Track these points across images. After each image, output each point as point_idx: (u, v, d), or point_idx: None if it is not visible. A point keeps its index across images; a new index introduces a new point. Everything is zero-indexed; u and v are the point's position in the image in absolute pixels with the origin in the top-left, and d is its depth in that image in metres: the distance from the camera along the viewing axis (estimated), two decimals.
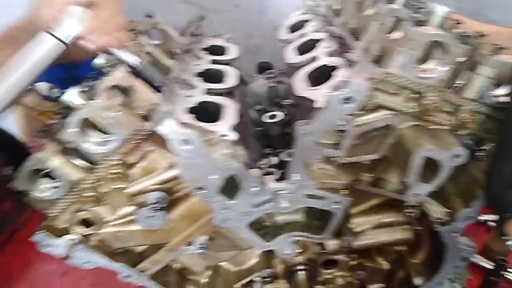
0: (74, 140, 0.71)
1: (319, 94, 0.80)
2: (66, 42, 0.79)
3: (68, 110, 0.76)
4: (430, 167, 0.75)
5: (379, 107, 0.75)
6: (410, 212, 0.86)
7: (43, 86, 2.07)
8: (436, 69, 0.71)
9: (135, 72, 0.84)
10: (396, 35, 0.78)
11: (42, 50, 0.78)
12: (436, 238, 0.88)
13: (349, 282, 1.02)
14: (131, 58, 0.85)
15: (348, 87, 0.65)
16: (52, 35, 0.78)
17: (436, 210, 0.83)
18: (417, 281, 0.92)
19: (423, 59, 0.75)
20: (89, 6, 0.78)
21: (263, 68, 1.46)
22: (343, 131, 0.75)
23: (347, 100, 0.66)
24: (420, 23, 0.67)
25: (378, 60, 0.81)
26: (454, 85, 0.73)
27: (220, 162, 0.73)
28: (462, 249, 0.85)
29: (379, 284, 1.03)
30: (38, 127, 0.79)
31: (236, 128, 0.85)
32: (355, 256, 0.93)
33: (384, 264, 1.02)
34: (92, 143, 0.72)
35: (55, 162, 0.73)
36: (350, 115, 0.70)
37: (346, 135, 0.75)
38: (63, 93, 2.05)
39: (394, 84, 0.72)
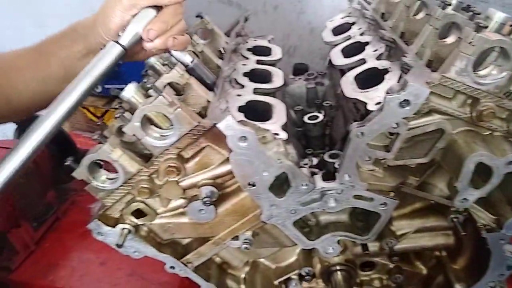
0: (136, 134, 0.74)
1: (371, 97, 0.81)
2: (126, 47, 0.83)
3: (127, 105, 0.79)
4: (480, 173, 0.75)
5: (432, 111, 0.76)
6: (455, 218, 0.86)
7: None
8: (494, 75, 0.71)
9: (189, 70, 0.87)
10: (451, 39, 0.79)
11: (110, 59, 0.81)
12: (479, 244, 0.88)
13: (386, 284, 1.03)
14: (185, 57, 0.88)
15: (407, 90, 0.66)
16: (118, 43, 0.81)
17: (483, 217, 0.83)
18: (457, 287, 0.92)
19: (479, 65, 0.75)
20: (155, 9, 0.81)
21: (299, 69, 1.48)
22: (394, 133, 0.76)
23: (405, 103, 0.67)
24: (480, 28, 0.67)
25: (430, 65, 0.82)
26: (510, 91, 0.73)
27: (273, 159, 0.75)
28: (508, 257, 0.85)
29: None
30: (98, 120, 0.82)
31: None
32: (395, 259, 0.93)
33: (423, 269, 1.02)
34: (151, 137, 0.75)
35: (116, 154, 0.76)
36: (405, 118, 0.71)
37: (397, 138, 0.76)
38: (105, 88, 2.13)
39: (450, 89, 0.72)
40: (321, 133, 1.17)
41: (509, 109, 0.73)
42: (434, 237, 0.95)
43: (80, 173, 0.79)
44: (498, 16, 0.81)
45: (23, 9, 2.19)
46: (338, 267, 0.98)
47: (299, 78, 1.39)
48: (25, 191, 1.39)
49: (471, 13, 0.84)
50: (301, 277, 1.00)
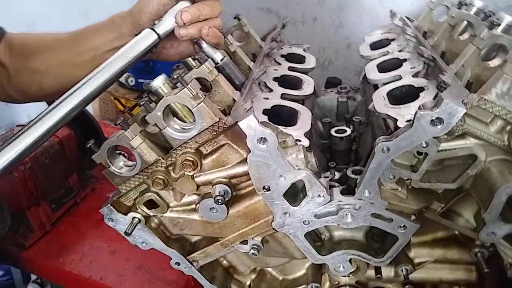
0: (157, 124, 0.74)
1: (402, 113, 0.78)
2: (161, 35, 0.84)
3: (153, 95, 0.79)
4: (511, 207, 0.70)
5: (466, 134, 0.71)
6: (480, 252, 0.80)
7: None
8: None
9: (218, 68, 0.86)
10: (495, 62, 0.74)
11: (144, 44, 0.83)
12: (503, 285, 0.81)
13: None
14: (216, 54, 0.87)
15: (441, 108, 0.62)
16: (154, 30, 0.83)
17: (511, 255, 0.77)
18: None
19: None
20: (191, 2, 0.82)
21: (332, 83, 1.46)
22: (423, 153, 0.72)
23: (437, 121, 0.63)
24: None
25: (469, 86, 0.78)
26: None
27: (292, 165, 0.72)
28: None
29: None
30: (124, 109, 0.83)
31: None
32: None
33: None
34: (172, 129, 0.75)
35: (135, 142, 0.76)
36: (436, 138, 0.67)
37: (426, 158, 0.72)
38: (138, 82, 2.17)
39: (489, 112, 0.68)
40: (347, 148, 1.14)
41: None
42: (455, 271, 0.89)
43: (99, 156, 0.80)
44: None
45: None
46: None
47: (331, 91, 1.37)
48: (49, 172, 1.41)
49: None
50: None
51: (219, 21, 0.85)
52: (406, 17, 1.26)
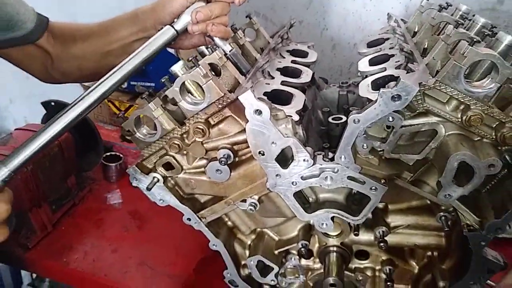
0: (175, 97, 0.91)
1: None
2: (178, 31, 1.01)
3: (172, 77, 0.97)
4: (467, 174, 0.84)
5: (428, 112, 0.85)
6: (443, 216, 0.94)
7: None
8: (485, 85, 0.80)
9: (228, 57, 1.03)
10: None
11: (164, 38, 1.00)
12: (465, 247, 0.94)
13: (377, 275, 1.11)
14: (226, 46, 1.04)
15: (399, 86, 0.77)
16: (173, 27, 1.00)
17: (469, 218, 0.90)
18: (441, 284, 0.98)
19: (481, 78, 0.85)
20: (206, 1, 0.99)
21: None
22: (391, 127, 0.87)
23: (397, 97, 0.78)
24: (474, 43, 0.77)
25: None
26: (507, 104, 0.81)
27: (282, 134, 0.88)
28: (488, 260, 0.90)
29: (406, 286, 1.10)
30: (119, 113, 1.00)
31: (302, 118, 1.01)
32: (384, 246, 1.00)
33: (415, 267, 1.09)
34: (187, 102, 0.92)
35: (157, 112, 0.94)
36: (398, 112, 0.82)
37: (393, 131, 0.86)
38: (130, 84, 2.33)
39: (444, 93, 0.82)
40: (342, 133, 1.29)
41: (498, 118, 0.81)
42: (426, 236, 1.03)
43: (127, 124, 0.98)
44: (506, 38, 0.90)
45: (58, 5, 2.48)
46: (333, 249, 1.08)
47: (334, 85, 1.52)
48: (49, 174, 1.45)
49: (485, 33, 0.93)
50: (299, 254, 1.11)
51: (226, 19, 1.02)
52: (402, 19, 1.41)
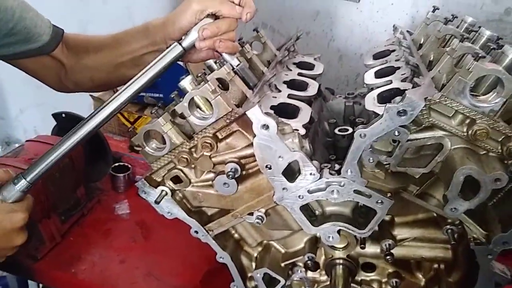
0: (184, 112, 0.93)
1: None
2: (186, 48, 1.03)
3: (181, 91, 0.99)
4: (474, 188, 0.84)
5: (433, 126, 0.86)
6: (449, 229, 0.94)
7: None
8: (490, 100, 0.81)
9: (235, 71, 1.05)
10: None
11: (171, 56, 1.02)
12: (472, 261, 0.94)
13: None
14: (233, 60, 1.06)
15: (405, 101, 0.78)
16: (180, 44, 1.02)
17: (475, 231, 0.90)
18: None
19: (487, 92, 0.85)
20: (214, 17, 1.01)
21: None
22: (397, 141, 0.87)
23: (402, 112, 0.79)
24: (479, 58, 0.78)
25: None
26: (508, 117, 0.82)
27: (289, 148, 0.89)
28: (496, 274, 0.90)
29: None
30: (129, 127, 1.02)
31: (309, 131, 1.02)
32: (390, 259, 1.00)
33: (421, 280, 1.09)
34: (195, 117, 0.94)
35: (166, 127, 0.95)
36: (404, 127, 0.83)
37: (399, 145, 0.87)
38: (139, 96, 2.30)
39: (450, 108, 0.83)
40: (349, 144, 1.29)
41: (503, 132, 0.82)
42: (433, 249, 1.03)
43: (137, 139, 1.00)
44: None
45: (69, 14, 2.53)
46: (340, 261, 1.08)
47: (340, 96, 1.53)
48: (59, 185, 1.45)
49: (490, 47, 0.94)
50: (306, 267, 1.12)
51: (233, 34, 1.03)
52: (407, 31, 1.42)
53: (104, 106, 0.97)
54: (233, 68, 1.04)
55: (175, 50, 1.03)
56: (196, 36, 1.03)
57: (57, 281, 1.44)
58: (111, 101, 0.97)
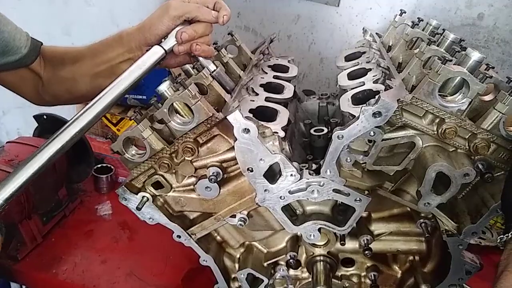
0: (164, 118, 0.93)
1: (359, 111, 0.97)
2: (167, 50, 1.04)
3: (159, 96, 0.99)
4: (445, 184, 0.89)
5: (406, 126, 0.91)
6: (423, 223, 0.99)
7: None
8: (457, 100, 0.86)
9: (212, 76, 1.06)
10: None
11: (154, 58, 1.02)
12: (445, 252, 1.00)
13: (362, 281, 1.15)
14: (210, 65, 1.07)
15: (379, 104, 0.82)
16: (161, 46, 1.03)
17: (447, 224, 0.96)
18: (423, 287, 1.04)
19: (454, 92, 0.90)
20: (191, 22, 1.02)
21: (307, 95, 1.65)
22: (373, 141, 0.91)
23: (377, 114, 0.83)
24: (446, 61, 0.83)
25: (413, 89, 0.98)
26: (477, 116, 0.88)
27: (269, 151, 0.92)
28: (466, 263, 0.96)
29: None
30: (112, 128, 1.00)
31: (286, 133, 1.05)
32: (369, 253, 1.04)
33: (398, 272, 1.14)
34: (175, 122, 0.94)
35: (146, 133, 0.95)
36: (379, 127, 0.87)
37: (374, 145, 0.91)
38: (123, 98, 2.26)
39: (420, 108, 0.87)
40: (325, 144, 1.32)
41: (470, 130, 0.87)
42: (408, 242, 1.08)
43: (116, 145, 0.99)
44: (474, 55, 0.96)
45: (53, 17, 2.49)
46: (321, 258, 1.12)
47: (314, 97, 1.57)
48: (40, 186, 1.45)
49: (455, 49, 1.00)
50: (288, 265, 1.15)
51: (209, 38, 1.05)
52: (376, 33, 1.47)
53: (85, 111, 0.95)
54: (211, 73, 1.06)
55: (157, 53, 1.03)
56: (174, 40, 1.03)
57: (38, 282, 1.43)
58: (92, 105, 0.95)
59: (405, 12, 1.34)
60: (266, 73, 1.35)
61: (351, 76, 1.26)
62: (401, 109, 0.88)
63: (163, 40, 1.05)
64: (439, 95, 0.86)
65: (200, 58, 1.07)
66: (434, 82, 0.84)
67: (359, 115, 0.84)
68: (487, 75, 0.87)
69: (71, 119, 0.94)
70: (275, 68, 1.40)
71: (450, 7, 1.73)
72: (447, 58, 0.84)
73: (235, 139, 0.91)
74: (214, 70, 1.07)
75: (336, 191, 0.94)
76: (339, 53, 1.48)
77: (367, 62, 1.32)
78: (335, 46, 2.00)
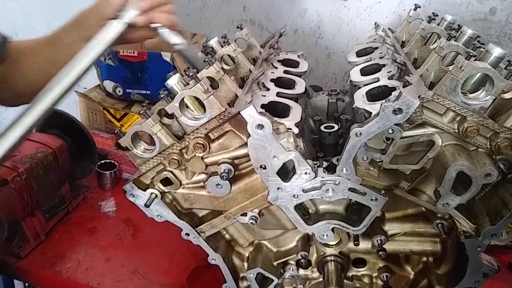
0: (175, 113, 0.90)
1: (376, 108, 0.94)
2: (128, 22, 0.97)
3: (169, 91, 0.95)
4: (464, 183, 0.86)
5: (425, 124, 0.88)
6: (440, 223, 0.96)
7: (108, 85, 2.28)
8: (480, 98, 0.83)
9: (178, 51, 1.00)
10: (451, 66, 0.91)
11: (115, 31, 0.96)
12: (461, 253, 0.97)
13: (374, 282, 1.12)
14: (176, 39, 1.00)
15: (400, 100, 0.79)
16: (121, 19, 0.96)
17: (465, 225, 0.93)
18: None
19: (476, 89, 0.87)
20: None
21: (313, 91, 1.62)
22: (391, 139, 0.88)
23: (398, 111, 0.80)
24: (470, 57, 0.80)
25: (432, 86, 0.95)
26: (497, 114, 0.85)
27: (283, 147, 0.89)
28: (484, 265, 0.93)
29: None
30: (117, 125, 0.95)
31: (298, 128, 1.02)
32: (383, 254, 1.02)
33: (411, 273, 1.12)
34: (186, 117, 0.91)
35: (156, 128, 0.92)
36: (398, 125, 0.84)
37: (392, 143, 0.88)
38: (126, 92, 2.27)
39: (442, 105, 0.84)
40: (335, 141, 1.30)
41: (492, 129, 0.84)
42: (422, 243, 1.05)
43: (124, 140, 0.96)
44: (496, 51, 0.93)
45: (55, 11, 2.44)
46: (332, 258, 1.09)
47: (323, 93, 1.54)
48: (43, 183, 1.43)
49: (474, 45, 0.97)
50: (298, 264, 1.12)
51: (171, 7, 0.98)
52: (389, 28, 1.44)
53: (51, 88, 0.90)
54: (177, 46, 0.99)
55: (116, 27, 0.97)
56: (133, 11, 0.97)
57: (41, 279, 1.41)
58: (54, 83, 0.91)
59: (419, 7, 1.31)
60: (276, 67, 1.32)
61: (364, 72, 1.23)
62: (421, 106, 0.85)
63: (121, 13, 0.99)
64: (461, 92, 0.83)
65: (163, 32, 1.00)
66: (457, 79, 0.81)
67: (379, 111, 0.81)
68: (511, 72, 0.84)
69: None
70: (285, 62, 1.37)
71: (462, 1, 1.70)
72: (471, 54, 0.81)
73: (248, 135, 0.88)
74: (179, 44, 1.01)
75: (352, 190, 0.91)
76: (348, 48, 1.44)
77: (380, 58, 1.29)
78: (342, 41, 1.97)
